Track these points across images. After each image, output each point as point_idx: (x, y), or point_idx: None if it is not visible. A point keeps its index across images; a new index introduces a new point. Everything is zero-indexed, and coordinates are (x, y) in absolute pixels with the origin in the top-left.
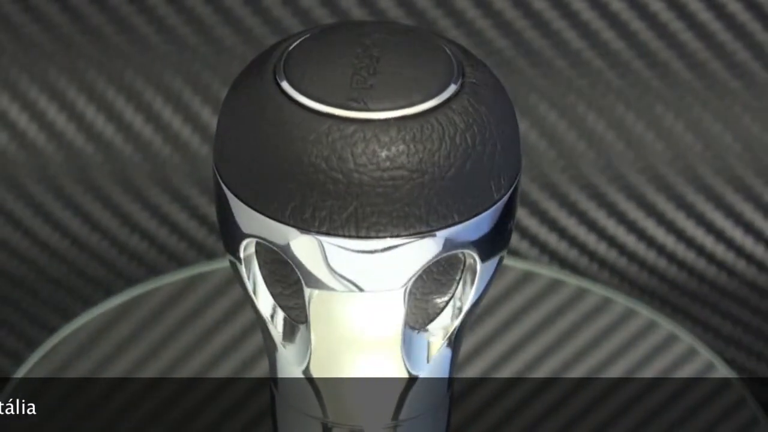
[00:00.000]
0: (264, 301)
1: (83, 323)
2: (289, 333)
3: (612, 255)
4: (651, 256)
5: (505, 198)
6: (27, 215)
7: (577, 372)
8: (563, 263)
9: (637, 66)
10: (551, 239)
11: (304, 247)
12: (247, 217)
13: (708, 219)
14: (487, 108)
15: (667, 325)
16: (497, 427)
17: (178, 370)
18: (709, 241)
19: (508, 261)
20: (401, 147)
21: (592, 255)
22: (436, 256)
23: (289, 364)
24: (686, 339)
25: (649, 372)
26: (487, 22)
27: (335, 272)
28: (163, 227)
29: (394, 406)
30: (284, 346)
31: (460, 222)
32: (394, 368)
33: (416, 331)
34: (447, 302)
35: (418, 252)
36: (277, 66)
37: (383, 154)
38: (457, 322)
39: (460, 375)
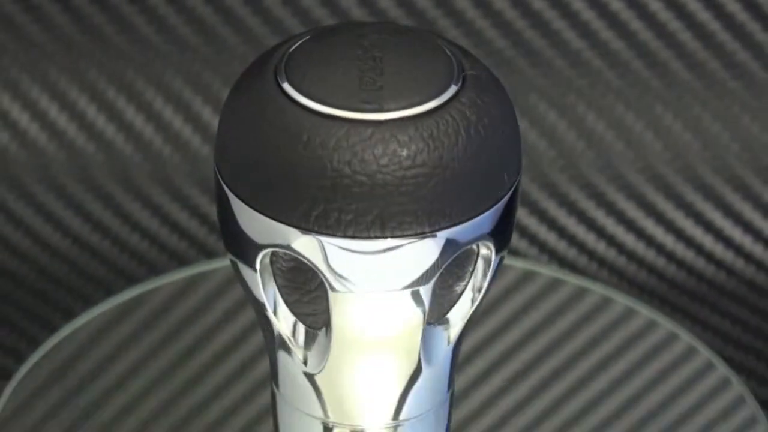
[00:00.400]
0: (280, 311)
1: (84, 322)
2: (306, 340)
3: (611, 254)
4: (650, 254)
5: (515, 185)
6: (28, 214)
7: (577, 371)
8: (562, 262)
9: (637, 66)
10: (550, 238)
11: (330, 253)
12: (266, 229)
13: (707, 218)
14: (491, 98)
15: (666, 324)
16: (497, 427)
17: (179, 370)
18: (707, 240)
19: (508, 260)
20: (420, 144)
21: (591, 254)
22: (460, 249)
23: (303, 371)
24: (686, 338)
25: (649, 371)
26: (487, 22)
27: (363, 275)
28: (164, 226)
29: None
30: (299, 353)
31: (481, 213)
32: (411, 364)
33: (432, 324)
34: (460, 294)
35: (444, 246)
36: (279, 70)
37: (404, 153)
38: (472, 309)
39: (460, 374)
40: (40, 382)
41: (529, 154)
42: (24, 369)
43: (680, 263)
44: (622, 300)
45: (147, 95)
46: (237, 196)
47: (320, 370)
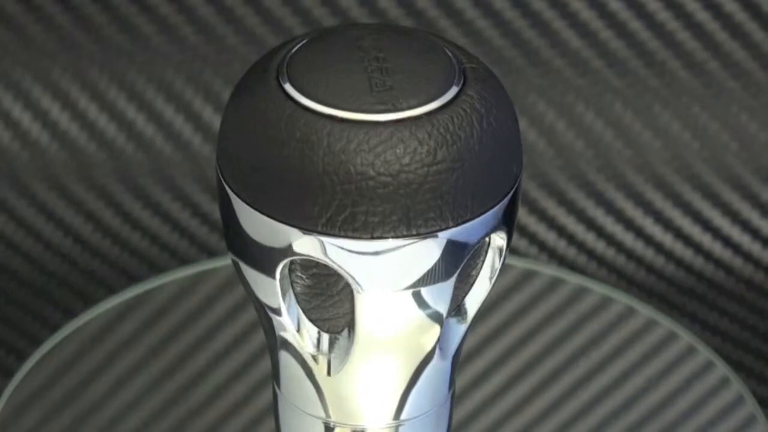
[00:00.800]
0: (297, 318)
1: (85, 321)
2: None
3: (610, 253)
4: (649, 253)
5: (521, 175)
6: (30, 213)
7: (577, 370)
8: (561, 261)
9: (635, 65)
10: (550, 237)
11: (357, 256)
12: (290, 239)
13: (705, 217)
14: (492, 89)
15: (666, 323)
16: (498, 426)
17: (180, 368)
18: (706, 239)
19: (508, 259)
20: (439, 140)
21: (590, 253)
22: (479, 240)
23: (319, 376)
24: (685, 337)
25: (648, 369)
26: (486, 22)
27: (390, 274)
28: (165, 225)
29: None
30: (316, 358)
31: (498, 203)
32: (427, 359)
33: (449, 317)
34: (472, 284)
35: (467, 239)
36: (282, 75)
37: (424, 150)
38: (485, 296)
39: (460, 373)
40: (41, 380)
41: (528, 154)
42: (25, 368)
43: (679, 262)
44: (621, 299)
45: (148, 95)
46: (259, 210)
47: (337, 373)
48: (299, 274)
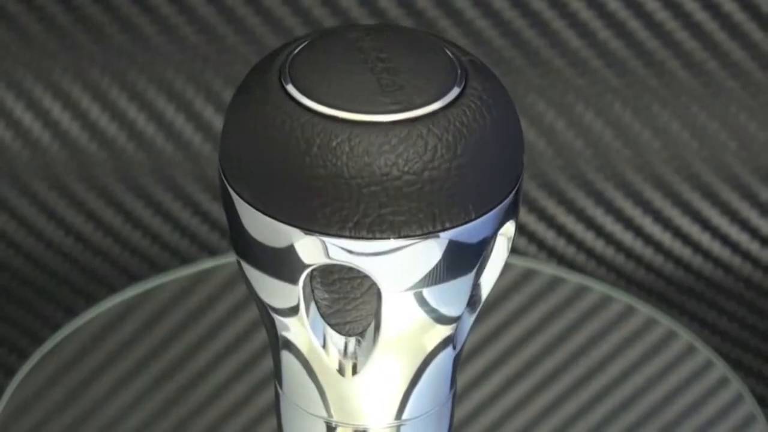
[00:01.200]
0: (320, 323)
1: (87, 320)
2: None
3: (609, 252)
4: (648, 252)
5: (524, 164)
6: (31, 213)
7: (577, 368)
8: (561, 260)
9: (635, 65)
10: (549, 236)
11: (386, 256)
12: (316, 246)
13: (704, 216)
14: (491, 80)
15: (665, 322)
16: (498, 425)
17: (182, 368)
18: (705, 238)
19: (507, 258)
20: (457, 134)
21: (589, 252)
22: (498, 229)
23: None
24: (685, 335)
25: (648, 368)
26: (486, 22)
27: (418, 271)
28: (166, 224)
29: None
30: (334, 361)
31: (512, 191)
32: (440, 352)
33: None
34: (481, 275)
35: (489, 229)
36: (285, 79)
37: (444, 145)
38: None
39: (460, 373)
40: (42, 379)
41: (528, 153)
42: (27, 366)
43: (677, 260)
44: (621, 298)
45: (149, 94)
46: (284, 221)
47: (356, 374)
48: (320, 280)
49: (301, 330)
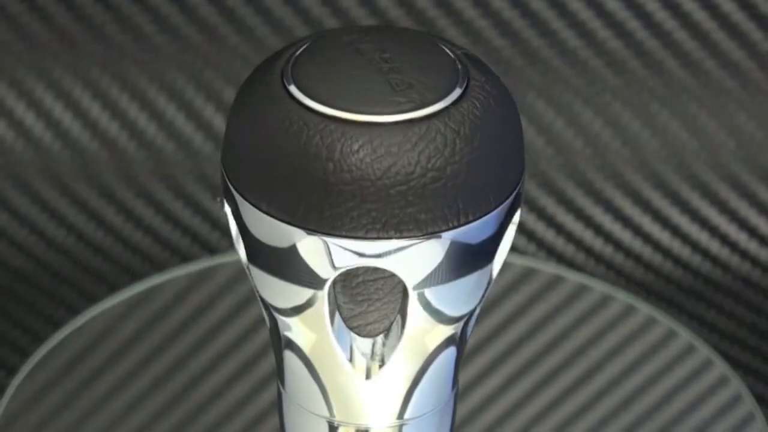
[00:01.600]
0: (343, 328)
1: (88, 318)
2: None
3: (608, 251)
4: (647, 252)
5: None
6: (33, 212)
7: (576, 367)
8: (560, 259)
9: (633, 65)
10: (548, 235)
11: (414, 255)
12: (341, 252)
13: (703, 215)
14: (491, 74)
15: (665, 321)
16: (499, 423)
17: (183, 366)
18: (703, 237)
19: (507, 258)
20: (472, 127)
21: (588, 250)
22: (511, 218)
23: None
24: (684, 335)
25: (647, 367)
26: (485, 22)
27: (446, 266)
28: (167, 223)
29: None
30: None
31: (520, 183)
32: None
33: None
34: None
35: (505, 219)
36: (288, 80)
37: (462, 139)
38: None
39: (461, 372)
40: (44, 377)
41: (527, 152)
42: (28, 365)
43: (676, 260)
44: (620, 297)
45: (150, 93)
46: (314, 231)
47: (375, 375)
48: (343, 283)
49: (316, 333)
